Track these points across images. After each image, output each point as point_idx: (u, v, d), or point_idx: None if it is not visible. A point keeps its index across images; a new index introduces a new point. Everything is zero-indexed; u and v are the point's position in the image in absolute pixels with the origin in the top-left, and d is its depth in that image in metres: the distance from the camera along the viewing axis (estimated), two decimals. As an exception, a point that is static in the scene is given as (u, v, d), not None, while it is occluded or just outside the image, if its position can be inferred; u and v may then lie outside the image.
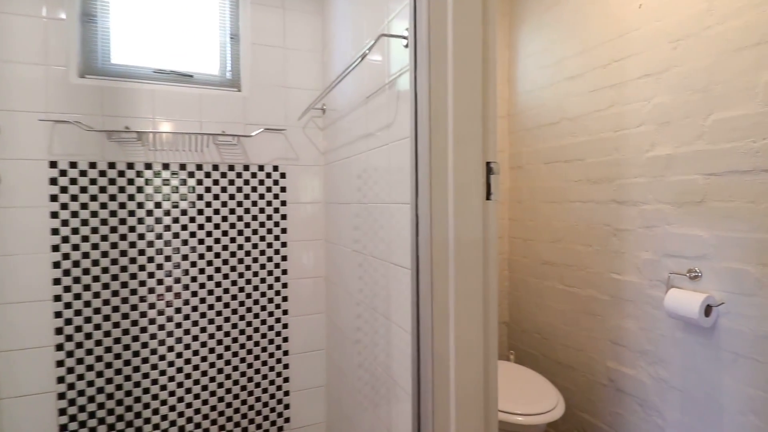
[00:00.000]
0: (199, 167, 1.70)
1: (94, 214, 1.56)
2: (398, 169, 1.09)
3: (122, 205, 1.60)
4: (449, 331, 0.94)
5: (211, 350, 1.74)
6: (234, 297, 1.76)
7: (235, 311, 1.76)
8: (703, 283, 1.36)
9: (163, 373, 1.67)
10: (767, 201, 1.19)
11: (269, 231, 1.80)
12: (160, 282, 1.65)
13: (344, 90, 1.54)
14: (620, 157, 1.64)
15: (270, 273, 1.81)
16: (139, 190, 1.62)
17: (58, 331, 1.52)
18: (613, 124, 1.67)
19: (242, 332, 1.78)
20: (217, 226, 1.73)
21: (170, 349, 1.68)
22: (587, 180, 1.80)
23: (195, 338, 1.71)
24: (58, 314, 1.52)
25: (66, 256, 1.53)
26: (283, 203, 1.82)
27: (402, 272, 1.08)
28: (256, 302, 1.80)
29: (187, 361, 1.70)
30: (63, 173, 1.52)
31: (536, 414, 1.48)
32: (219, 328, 1.74)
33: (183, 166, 1.67)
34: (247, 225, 1.77)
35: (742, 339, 1.26)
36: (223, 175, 1.73)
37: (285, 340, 1.85)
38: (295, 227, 1.85)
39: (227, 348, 1.76)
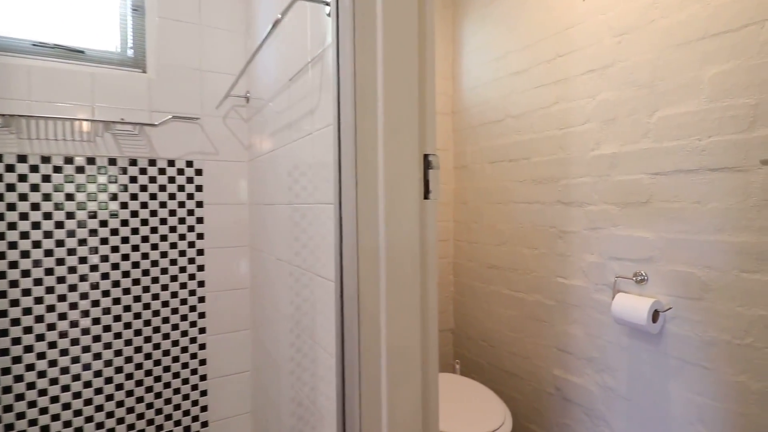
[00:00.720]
0: (91, 161, 1.41)
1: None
2: (322, 163, 0.91)
3: (-15, 207, 1.28)
4: (380, 353, 0.78)
5: (108, 380, 1.45)
6: (137, 315, 1.49)
7: (138, 332, 1.49)
8: (649, 287, 1.31)
9: (56, 418, 1.36)
10: (714, 201, 1.14)
11: (182, 237, 1.55)
12: (39, 301, 1.35)
13: (268, 73, 1.33)
14: (565, 157, 1.58)
15: (183, 286, 1.55)
16: (9, 188, 1.31)
17: None
18: (558, 122, 1.60)
19: (148, 356, 1.51)
20: (114, 232, 1.45)
21: (54, 399, 1.37)
22: (532, 180, 1.72)
23: (86, 367, 1.42)
24: None
25: None
26: (199, 204, 1.57)
27: (326, 285, 0.90)
28: (165, 320, 1.53)
29: (83, 387, 1.41)
30: None
31: (483, 434, 1.36)
32: (118, 353, 1.46)
33: (69, 160, 1.38)
34: (154, 230, 1.50)
35: (689, 345, 1.20)
36: (123, 170, 1.46)
37: (202, 362, 1.60)
38: (215, 232, 1.61)
39: (129, 376, 1.48)
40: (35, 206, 1.34)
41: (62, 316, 1.38)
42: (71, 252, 1.38)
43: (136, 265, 1.48)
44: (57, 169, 1.37)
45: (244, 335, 1.67)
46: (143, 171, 1.48)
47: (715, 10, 1.13)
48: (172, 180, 1.52)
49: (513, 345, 1.84)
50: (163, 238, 1.52)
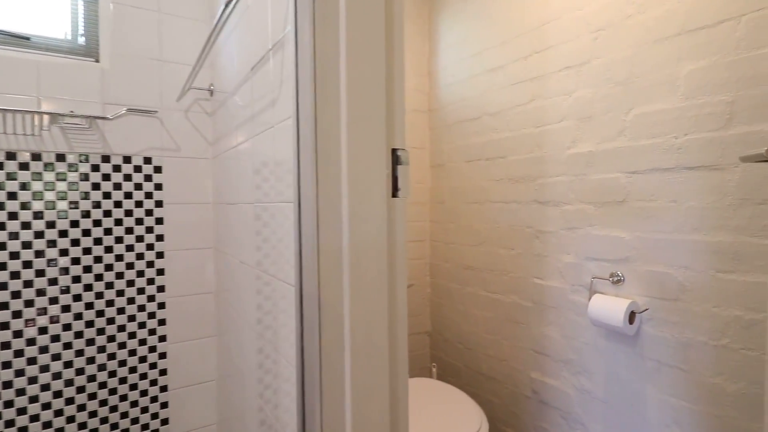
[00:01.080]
0: (36, 157, 1.30)
1: None
2: (283, 158, 0.84)
3: None
4: (344, 363, 0.71)
5: (57, 394, 1.34)
6: (90, 324, 1.38)
7: (91, 341, 1.38)
8: (625, 288, 1.28)
9: (-20, 431, 1.24)
10: (690, 200, 1.12)
11: (139, 239, 1.44)
12: (-26, 310, 1.23)
13: (231, 64, 1.25)
14: (542, 155, 1.54)
15: (141, 291, 1.45)
16: (-59, 185, 1.19)
17: None
18: (534, 120, 1.57)
19: (102, 367, 1.40)
20: (63, 234, 1.34)
21: (-9, 398, 1.26)
22: (509, 179, 1.68)
23: (32, 380, 1.30)
24: None
25: None
26: (159, 204, 1.47)
27: (287, 290, 0.83)
28: (121, 328, 1.42)
29: (29, 402, 1.29)
30: None
31: (458, 442, 1.31)
32: (68, 364, 1.35)
33: (11, 155, 1.26)
34: (108, 232, 1.40)
35: (666, 346, 1.18)
36: (72, 167, 1.35)
37: (163, 372, 1.50)
38: (176, 234, 1.51)
39: (80, 389, 1.37)
40: (-29, 206, 1.22)
41: (4, 326, 1.26)
42: (14, 256, 1.27)
43: (87, 269, 1.37)
44: (-4, 166, 1.25)
45: (208, 342, 1.57)
46: (95, 168, 1.37)
47: (692, 5, 1.11)
48: (128, 177, 1.42)
49: (490, 347, 1.81)
50: (119, 240, 1.41)
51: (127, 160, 1.42)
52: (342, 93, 0.70)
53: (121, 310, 1.42)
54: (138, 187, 1.43)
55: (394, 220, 0.75)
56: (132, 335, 1.44)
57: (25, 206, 1.28)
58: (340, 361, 0.71)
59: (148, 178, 1.45)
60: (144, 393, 1.46)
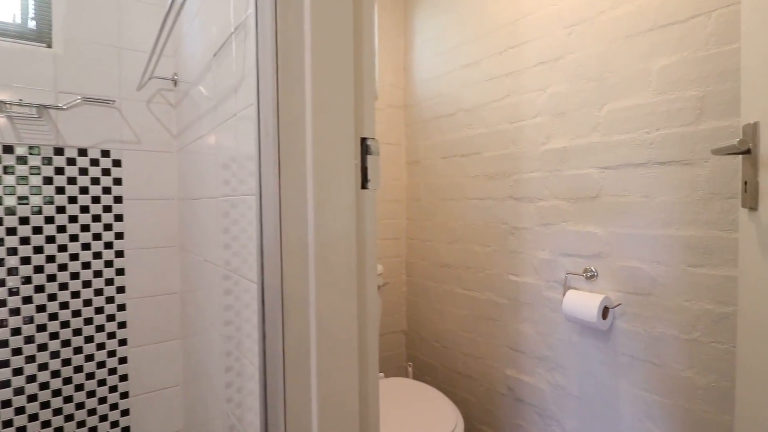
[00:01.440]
0: (-20, 148, 1.20)
1: None
2: (246, 148, 0.79)
3: None
4: (310, 362, 0.67)
5: (6, 403, 1.24)
6: (42, 327, 1.28)
7: (43, 347, 1.29)
8: (599, 283, 1.28)
9: None
10: (661, 195, 1.13)
11: (96, 236, 1.36)
12: None
13: (195, 51, 1.18)
14: (517, 151, 1.54)
15: (99, 292, 1.36)
16: None
17: None
18: (509, 116, 1.56)
19: (56, 374, 1.31)
20: (11, 231, 1.24)
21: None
22: (484, 175, 1.67)
23: (-25, 390, 1.20)
24: None
25: None
26: (118, 200, 1.39)
27: (251, 288, 0.79)
28: (77, 332, 1.34)
29: (-39, 425, 1.19)
30: None
31: (433, 442, 1.28)
32: (18, 371, 1.26)
33: (-49, 146, 1.16)
34: (62, 229, 1.31)
35: (638, 341, 1.19)
36: (21, 160, 1.25)
37: (123, 378, 1.42)
38: (138, 231, 1.43)
39: (32, 398, 1.28)
40: None
41: (-58, 332, 1.16)
42: (-46, 255, 1.17)
43: (39, 269, 1.28)
44: (-66, 157, 1.15)
45: (173, 346, 1.50)
46: (47, 160, 1.28)
47: (664, 1, 1.11)
48: (83, 171, 1.33)
49: (466, 345, 1.79)
50: (74, 237, 1.32)
51: (82, 152, 1.33)
52: (306, 77, 0.66)
53: (76, 313, 1.33)
54: (95, 181, 1.35)
55: (364, 213, 0.71)
56: (89, 339, 1.35)
57: (-33, 201, 1.18)
58: (305, 358, 0.67)
59: (106, 172, 1.36)
60: (103, 400, 1.38)
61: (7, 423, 1.25)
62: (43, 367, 1.29)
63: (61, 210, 1.30)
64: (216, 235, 1.03)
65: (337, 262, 0.68)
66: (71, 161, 1.31)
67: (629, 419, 1.21)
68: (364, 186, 0.71)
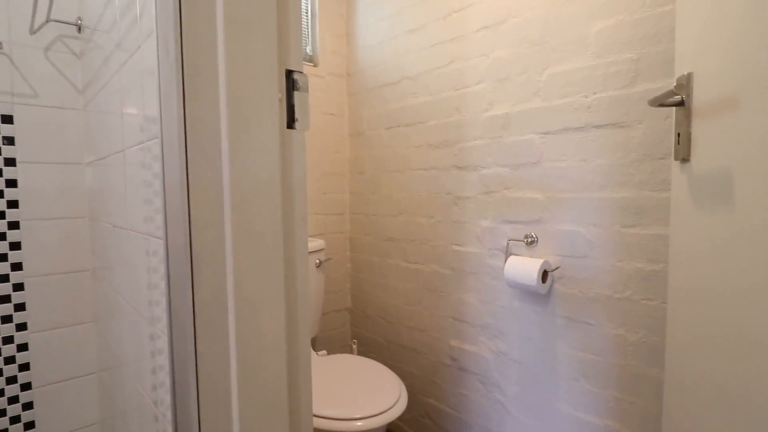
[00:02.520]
0: None
1: None
2: (151, 83, 0.68)
3: None
4: (228, 326, 0.59)
5: None
6: None
7: None
8: (539, 249, 1.29)
9: None
10: (598, 158, 1.14)
11: (-18, 205, 1.16)
12: None
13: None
14: (461, 119, 1.51)
15: (-12, 270, 1.17)
16: None
17: None
18: (453, 82, 1.52)
19: (-66, 367, 1.11)
20: None
21: None
22: (429, 145, 1.63)
23: None
24: None
25: None
26: (10, 162, 1.19)
27: (159, 248, 0.68)
28: (-39, 317, 1.14)
29: None
30: None
31: (375, 415, 1.24)
32: None
33: None
34: (-65, 195, 1.10)
35: (575, 303, 1.21)
36: None
37: (23, 367, 1.24)
38: (36, 199, 1.24)
39: None
40: None
41: None
42: None
43: None
44: None
45: (85, 329, 1.33)
46: None
47: (602, -39, 1.11)
48: (-38, 127, 1.12)
49: (410, 319, 1.77)
50: (-48, 206, 1.11)
51: (-40, 104, 1.12)
52: (219, -7, 0.56)
53: (-42, 294, 1.13)
54: (-22, 140, 1.14)
55: (291, 155, 0.63)
56: (-23, 325, 1.16)
57: None
58: (221, 322, 0.58)
59: (-8, 129, 1.16)
60: (-2, 394, 1.20)
61: None
62: None
63: (-68, 172, 1.09)
64: (135, 196, 0.89)
65: (260, 210, 0.60)
66: (-56, 114, 1.10)
67: (565, 378, 1.24)
68: (290, 126, 0.63)
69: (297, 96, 0.63)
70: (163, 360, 0.68)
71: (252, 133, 0.58)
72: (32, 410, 1.26)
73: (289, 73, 0.63)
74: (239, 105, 0.57)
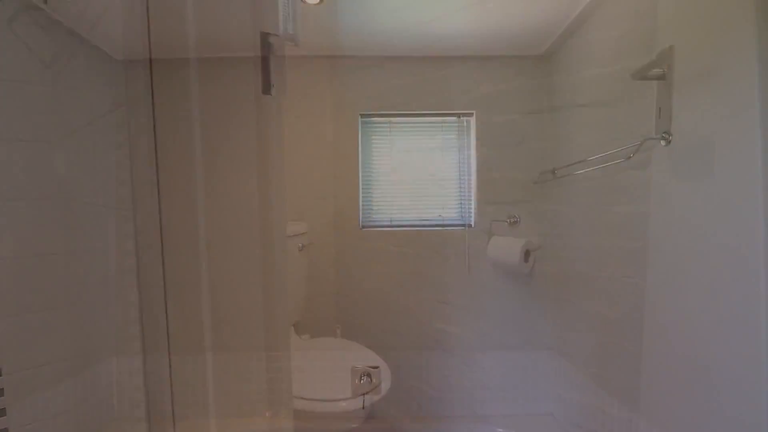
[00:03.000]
0: None
1: None
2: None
3: None
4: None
5: None
6: None
7: None
8: (522, 229, 1.30)
9: None
10: (580, 137, 1.14)
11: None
12: None
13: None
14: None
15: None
16: None
17: None
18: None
19: None
20: None
21: None
22: (413, 127, 1.61)
23: None
24: None
25: None
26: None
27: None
28: None
29: None
30: None
31: (358, 396, 1.23)
32: None
33: None
34: None
35: (557, 282, 1.22)
36: None
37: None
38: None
39: None
40: None
41: None
42: None
43: None
44: None
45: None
46: None
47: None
48: None
49: (396, 303, 1.76)
50: None
51: None
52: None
53: None
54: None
55: (267, 122, 0.60)
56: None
57: None
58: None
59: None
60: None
61: None
62: None
63: None
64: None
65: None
66: None
67: (546, 359, 1.25)
68: (266, 92, 0.60)
69: (274, 60, 0.60)
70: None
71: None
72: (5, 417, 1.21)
73: (265, 36, 0.60)
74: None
